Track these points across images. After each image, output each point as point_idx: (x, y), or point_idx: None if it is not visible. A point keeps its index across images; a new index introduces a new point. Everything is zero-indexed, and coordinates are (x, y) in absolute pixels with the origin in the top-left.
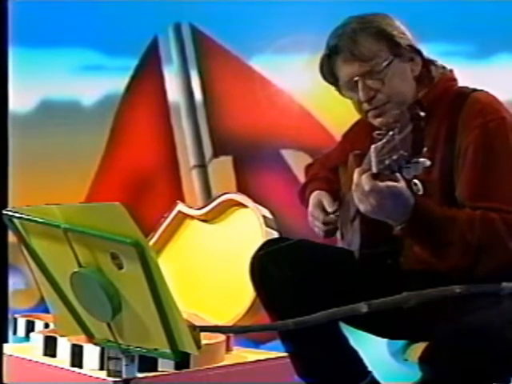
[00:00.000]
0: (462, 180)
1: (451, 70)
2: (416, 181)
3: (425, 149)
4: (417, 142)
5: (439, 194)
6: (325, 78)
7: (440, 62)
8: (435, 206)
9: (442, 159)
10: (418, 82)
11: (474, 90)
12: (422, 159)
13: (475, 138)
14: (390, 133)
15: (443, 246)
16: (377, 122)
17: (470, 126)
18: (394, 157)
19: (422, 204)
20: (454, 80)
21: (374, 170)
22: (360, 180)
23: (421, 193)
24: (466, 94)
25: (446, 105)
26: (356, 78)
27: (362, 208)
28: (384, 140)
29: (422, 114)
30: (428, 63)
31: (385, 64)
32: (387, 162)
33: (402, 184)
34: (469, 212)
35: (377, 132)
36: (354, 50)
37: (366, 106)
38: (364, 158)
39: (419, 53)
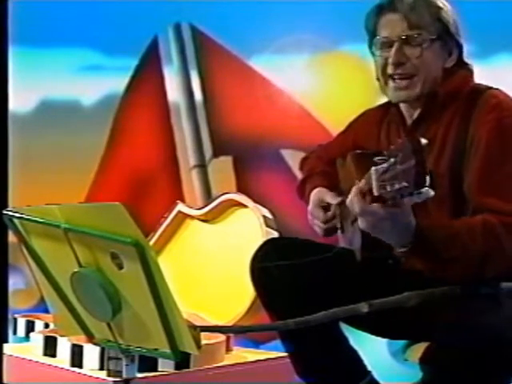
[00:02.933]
0: (471, 173)
1: (470, 67)
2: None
3: (427, 179)
4: (420, 175)
5: (447, 185)
6: (366, 27)
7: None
8: (436, 225)
9: (452, 152)
10: (445, 75)
11: (490, 88)
12: (424, 189)
13: (489, 131)
14: (392, 160)
15: (446, 262)
16: (395, 95)
17: (485, 119)
18: (396, 186)
19: (423, 228)
20: (471, 75)
21: (376, 193)
22: (354, 200)
23: (428, 184)
24: (482, 89)
25: (461, 97)
26: (395, 38)
27: (360, 225)
28: (385, 165)
29: (424, 141)
30: (462, 63)
31: (430, 37)
32: (389, 188)
33: (403, 208)
34: (469, 222)
35: (378, 158)
36: (408, 12)
37: (390, 70)
38: (362, 158)
39: (460, 50)
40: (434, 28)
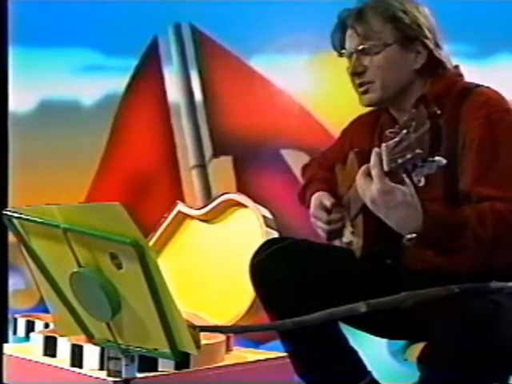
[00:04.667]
0: (466, 170)
1: (457, 66)
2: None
3: (441, 147)
4: (435, 140)
5: (441, 185)
6: (334, 47)
7: (453, 61)
8: (444, 211)
9: (444, 151)
10: (421, 75)
11: (479, 86)
12: (437, 158)
13: (480, 128)
14: (404, 131)
15: (456, 251)
16: (361, 100)
17: (474, 116)
18: (409, 155)
19: (431, 213)
20: (460, 75)
21: (386, 168)
22: (358, 179)
23: (422, 184)
24: (471, 88)
25: (450, 98)
26: (351, 51)
27: (366, 202)
28: (397, 138)
29: (439, 111)
30: (438, 61)
31: (380, 46)
32: (400, 160)
33: (407, 185)
34: (477, 208)
35: (389, 130)
36: (357, 27)
37: (355, 80)
38: (365, 155)
39: (427, 48)
40: (387, 34)
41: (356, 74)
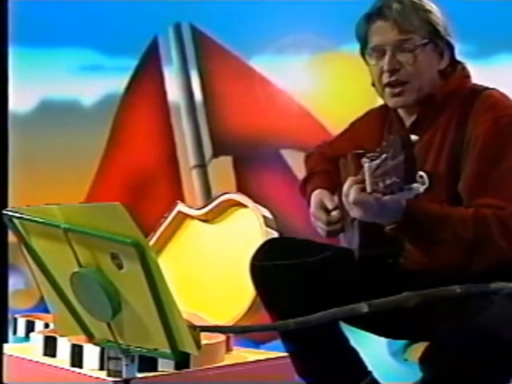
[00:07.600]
0: (466, 173)
1: (466, 68)
2: (422, 173)
3: (419, 174)
4: (410, 170)
5: (445, 187)
6: (357, 36)
7: (465, 64)
8: (428, 205)
9: (450, 151)
10: (441, 77)
11: (487, 88)
12: (415, 185)
13: (486, 130)
14: (383, 156)
15: (435, 244)
16: (392, 102)
17: (482, 118)
18: (388, 181)
19: (413, 205)
20: (468, 77)
21: (369, 189)
22: (347, 191)
23: (426, 186)
24: (479, 90)
25: (458, 99)
26: (387, 46)
27: (352, 214)
28: (377, 161)
29: (414, 138)
30: (455, 63)
31: (421, 42)
32: (381, 185)
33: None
34: (462, 210)
35: (370, 154)
36: (397, 18)
37: (385, 78)
38: (362, 158)
39: (451, 50)
40: (425, 31)
41: (392, 70)
